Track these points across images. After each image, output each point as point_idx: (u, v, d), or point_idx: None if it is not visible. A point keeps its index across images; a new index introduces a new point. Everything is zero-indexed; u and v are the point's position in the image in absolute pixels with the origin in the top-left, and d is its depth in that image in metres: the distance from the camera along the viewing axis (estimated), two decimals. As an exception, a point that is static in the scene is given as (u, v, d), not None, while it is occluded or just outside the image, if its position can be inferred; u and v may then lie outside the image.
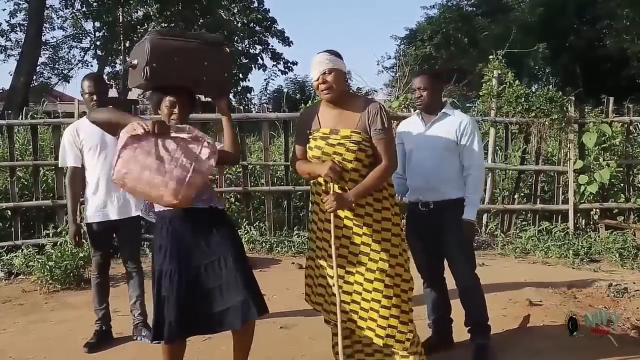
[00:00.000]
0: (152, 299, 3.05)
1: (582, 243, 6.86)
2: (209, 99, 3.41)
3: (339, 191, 2.95)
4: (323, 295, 3.14)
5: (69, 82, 25.02)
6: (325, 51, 3.02)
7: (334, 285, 2.98)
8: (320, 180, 3.03)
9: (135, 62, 2.90)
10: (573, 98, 7.57)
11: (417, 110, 3.74)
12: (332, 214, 2.94)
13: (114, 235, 4.25)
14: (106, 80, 4.50)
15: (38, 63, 18.64)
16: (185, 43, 2.89)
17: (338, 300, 2.95)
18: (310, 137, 3.06)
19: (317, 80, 2.96)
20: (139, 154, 2.77)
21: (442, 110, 3.61)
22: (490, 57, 7.88)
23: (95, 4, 20.12)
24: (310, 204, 3.29)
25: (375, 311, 2.96)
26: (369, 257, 2.97)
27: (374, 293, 2.96)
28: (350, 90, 3.30)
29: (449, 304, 3.80)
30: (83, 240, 4.27)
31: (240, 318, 2.91)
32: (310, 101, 7.49)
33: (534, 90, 8.16)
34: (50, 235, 6.51)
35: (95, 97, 3.95)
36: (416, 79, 3.65)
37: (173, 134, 2.83)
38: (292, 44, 25.77)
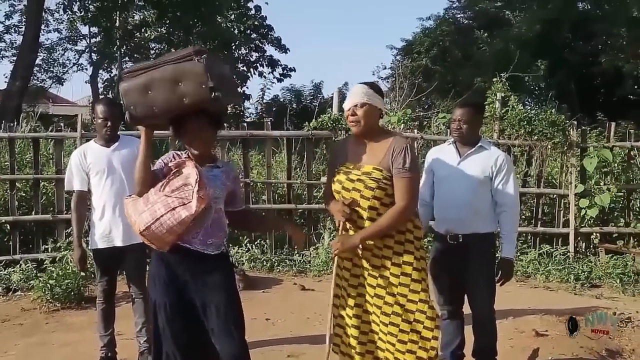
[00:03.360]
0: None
1: (582, 267, 6.88)
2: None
3: (347, 233, 2.91)
4: (341, 336, 3.10)
5: (62, 85, 24.91)
6: (365, 83, 2.99)
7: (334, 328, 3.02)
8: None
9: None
10: (575, 122, 7.60)
11: (452, 140, 3.71)
12: (336, 257, 2.94)
13: (120, 261, 4.18)
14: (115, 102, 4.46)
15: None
16: (153, 72, 2.73)
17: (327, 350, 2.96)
18: (336, 170, 3.03)
19: (348, 111, 2.93)
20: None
21: (479, 144, 3.60)
22: (494, 79, 7.91)
23: (92, 7, 19.99)
24: None
25: (391, 353, 2.92)
26: (384, 301, 2.92)
27: (389, 336, 2.92)
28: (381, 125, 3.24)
29: (463, 339, 3.79)
30: (87, 264, 4.23)
31: None
32: (314, 118, 7.44)
33: (530, 107, 8.18)
34: (49, 250, 6.45)
35: (109, 123, 3.93)
36: (458, 110, 3.61)
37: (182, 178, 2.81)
38: (289, 51, 25.79)
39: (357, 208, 2.91)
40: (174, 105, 2.71)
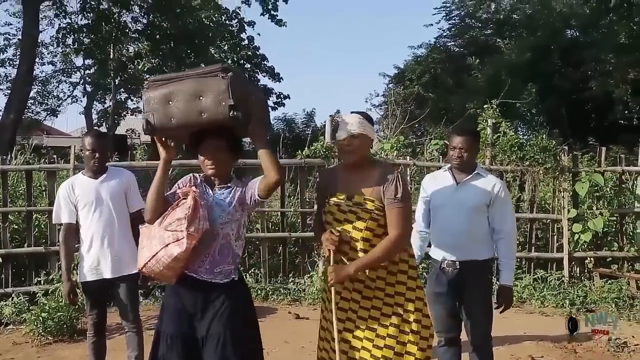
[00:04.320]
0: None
1: (577, 292, 6.86)
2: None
3: (339, 264, 2.88)
4: None
5: (57, 117, 25.02)
6: (357, 112, 2.99)
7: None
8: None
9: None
10: (566, 147, 7.67)
11: (448, 166, 3.72)
12: (332, 288, 2.87)
13: (110, 293, 4.12)
14: (105, 135, 4.47)
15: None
16: (178, 84, 2.71)
17: None
18: (327, 200, 3.00)
19: (343, 140, 2.91)
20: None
21: (476, 171, 3.60)
22: (485, 105, 7.98)
23: (87, 40, 20.18)
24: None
25: None
26: (376, 333, 2.88)
27: (385, 350, 2.85)
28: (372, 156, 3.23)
29: (461, 366, 3.76)
30: (77, 298, 4.16)
31: None
32: (306, 146, 7.48)
33: (522, 133, 8.24)
34: (42, 282, 6.39)
35: (97, 155, 3.92)
36: (457, 138, 3.58)
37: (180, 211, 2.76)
38: (282, 79, 25.99)
39: (349, 239, 2.88)
40: (192, 119, 2.68)
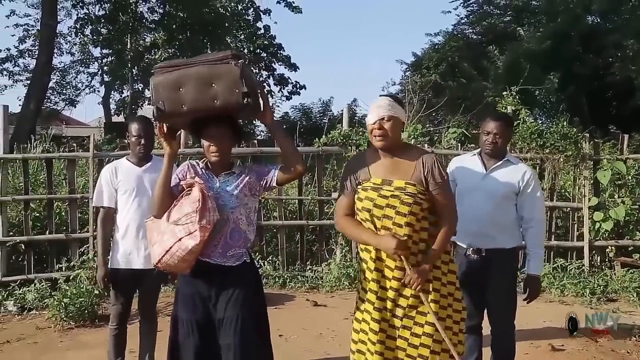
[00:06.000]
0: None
1: (598, 281, 6.79)
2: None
3: (411, 265, 2.80)
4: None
5: (75, 107, 25.25)
6: (387, 95, 2.95)
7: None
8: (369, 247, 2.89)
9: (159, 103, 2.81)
10: (587, 135, 7.56)
11: (477, 151, 3.67)
12: (419, 287, 2.79)
13: (137, 284, 4.00)
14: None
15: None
16: (187, 70, 2.72)
17: None
18: (360, 187, 2.91)
19: (374, 124, 2.86)
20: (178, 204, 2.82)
21: (506, 158, 3.56)
22: (504, 92, 7.89)
23: (104, 30, 20.32)
24: (360, 264, 3.05)
25: None
26: (414, 321, 2.85)
27: (421, 348, 2.82)
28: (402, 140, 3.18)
29: (480, 354, 3.73)
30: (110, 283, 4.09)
31: None
32: (323, 134, 7.46)
33: (541, 121, 8.14)
34: (63, 269, 6.48)
35: (143, 141, 3.83)
36: (492, 123, 3.53)
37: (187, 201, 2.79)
38: (298, 69, 25.96)
39: (392, 225, 2.81)
40: (203, 105, 2.70)
